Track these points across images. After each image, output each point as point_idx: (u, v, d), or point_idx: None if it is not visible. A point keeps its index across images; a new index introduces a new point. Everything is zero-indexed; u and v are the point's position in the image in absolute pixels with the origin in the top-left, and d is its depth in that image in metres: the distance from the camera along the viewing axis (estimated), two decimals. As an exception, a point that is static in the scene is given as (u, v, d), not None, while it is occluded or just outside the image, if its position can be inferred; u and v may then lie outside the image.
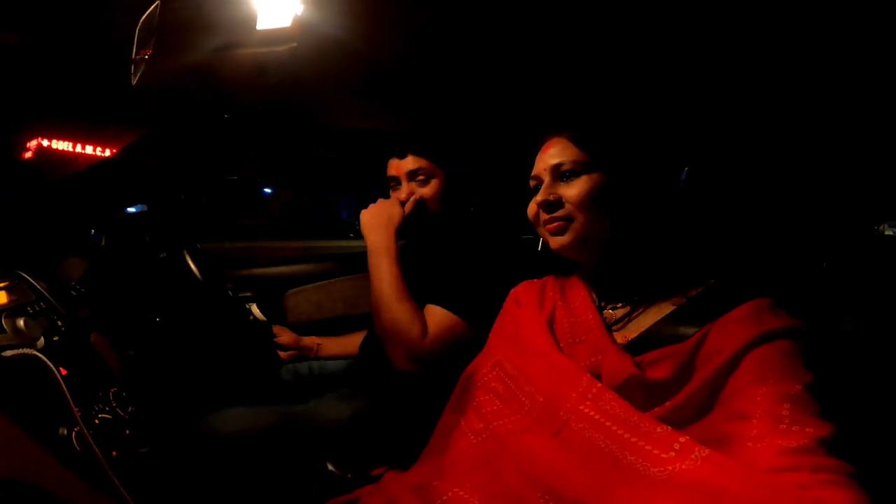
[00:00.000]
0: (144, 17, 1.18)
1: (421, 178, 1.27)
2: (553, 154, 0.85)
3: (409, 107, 1.68)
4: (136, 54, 1.22)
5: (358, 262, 2.10)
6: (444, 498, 0.78)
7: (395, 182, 1.30)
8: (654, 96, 1.18)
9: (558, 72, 1.28)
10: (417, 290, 1.17)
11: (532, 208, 0.88)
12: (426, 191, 1.27)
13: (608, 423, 0.70)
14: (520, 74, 1.36)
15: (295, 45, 1.19)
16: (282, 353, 1.51)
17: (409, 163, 1.27)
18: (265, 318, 1.42)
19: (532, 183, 0.89)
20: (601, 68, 1.20)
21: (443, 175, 1.27)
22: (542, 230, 0.87)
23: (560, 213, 0.83)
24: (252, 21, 1.15)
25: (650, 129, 0.90)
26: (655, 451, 0.65)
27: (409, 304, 1.12)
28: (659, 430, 0.67)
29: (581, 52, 1.19)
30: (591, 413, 0.72)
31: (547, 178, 0.85)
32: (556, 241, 0.85)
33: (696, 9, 0.97)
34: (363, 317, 1.50)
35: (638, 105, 1.16)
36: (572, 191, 0.82)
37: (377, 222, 1.21)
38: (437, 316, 1.11)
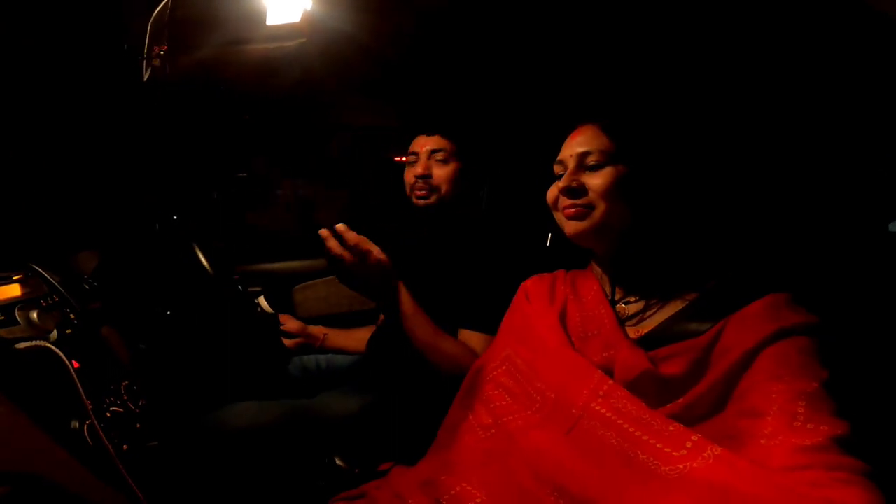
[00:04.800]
0: (155, 13, 1.19)
1: (440, 157, 1.26)
2: (581, 142, 0.85)
3: (425, 100, 1.66)
4: (149, 50, 1.22)
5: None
6: (452, 493, 0.78)
7: (415, 157, 1.29)
8: (685, 92, 1.16)
9: (593, 63, 1.26)
10: (435, 294, 1.18)
11: (553, 193, 0.87)
12: (442, 172, 1.26)
13: (620, 421, 0.69)
14: (554, 66, 1.34)
15: (304, 40, 1.19)
16: (288, 341, 1.50)
17: (434, 141, 1.27)
18: (272, 311, 1.41)
19: (557, 168, 0.88)
20: (638, 60, 1.19)
21: (462, 161, 1.27)
22: (559, 215, 0.87)
23: (582, 200, 0.83)
24: (261, 17, 1.15)
25: (679, 125, 0.90)
26: (667, 450, 0.64)
27: (451, 341, 1.09)
28: (671, 427, 0.66)
29: (618, 43, 1.17)
30: (603, 411, 0.71)
31: (572, 165, 0.85)
32: (573, 226, 0.84)
33: (724, 8, 0.96)
34: (371, 312, 1.49)
35: (670, 100, 1.15)
36: (597, 180, 0.82)
37: (375, 285, 1.02)
38: (476, 340, 1.10)
